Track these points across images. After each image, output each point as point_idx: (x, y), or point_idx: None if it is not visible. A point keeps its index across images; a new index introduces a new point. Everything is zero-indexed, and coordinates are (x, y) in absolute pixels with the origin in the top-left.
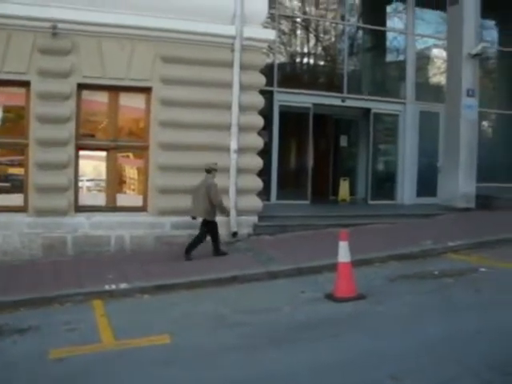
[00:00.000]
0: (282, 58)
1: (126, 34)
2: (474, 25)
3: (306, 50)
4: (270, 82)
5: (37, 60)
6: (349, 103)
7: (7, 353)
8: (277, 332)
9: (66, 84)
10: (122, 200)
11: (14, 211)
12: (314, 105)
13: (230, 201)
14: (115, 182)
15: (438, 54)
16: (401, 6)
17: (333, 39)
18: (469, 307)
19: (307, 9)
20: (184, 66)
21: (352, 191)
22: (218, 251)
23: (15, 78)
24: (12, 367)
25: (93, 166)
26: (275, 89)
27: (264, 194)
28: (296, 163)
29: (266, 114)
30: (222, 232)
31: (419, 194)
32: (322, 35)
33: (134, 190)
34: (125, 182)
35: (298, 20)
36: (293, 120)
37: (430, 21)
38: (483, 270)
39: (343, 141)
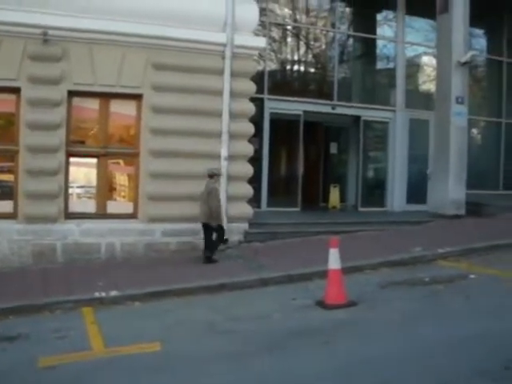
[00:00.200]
0: (272, 66)
1: (117, 41)
2: (463, 33)
3: (296, 58)
4: (260, 90)
5: (27, 66)
6: (339, 110)
7: None
8: (268, 339)
9: (57, 91)
10: (112, 207)
11: (4, 218)
12: (305, 112)
13: (221, 208)
14: (105, 188)
15: (428, 61)
16: (391, 14)
17: (323, 47)
18: (459, 314)
19: (298, 16)
20: (175, 74)
21: (342, 198)
22: (209, 259)
23: (5, 84)
24: (1, 375)
25: (83, 172)
26: (266, 96)
27: (254, 201)
28: (286, 170)
29: (257, 121)
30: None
31: (409, 200)
32: (312, 43)
33: (124, 197)
34: (115, 189)
35: (289, 28)
36: (283, 127)
37: (419, 29)
38: (473, 276)
39: (333, 148)
